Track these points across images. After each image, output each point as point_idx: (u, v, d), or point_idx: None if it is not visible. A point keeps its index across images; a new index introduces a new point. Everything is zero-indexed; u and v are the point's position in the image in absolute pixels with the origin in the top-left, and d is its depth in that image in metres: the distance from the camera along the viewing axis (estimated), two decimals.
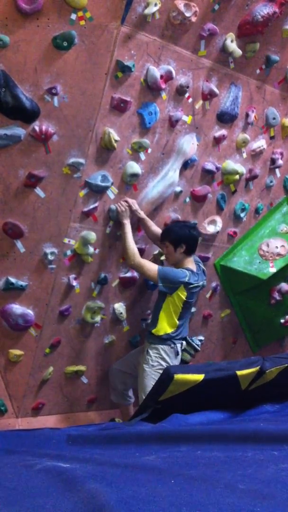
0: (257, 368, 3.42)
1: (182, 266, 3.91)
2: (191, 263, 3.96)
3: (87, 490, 1.91)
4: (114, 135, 3.56)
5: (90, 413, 4.32)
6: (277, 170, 4.83)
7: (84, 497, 1.85)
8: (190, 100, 3.91)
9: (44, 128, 3.31)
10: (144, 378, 3.87)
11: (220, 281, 4.78)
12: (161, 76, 3.64)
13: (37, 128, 3.29)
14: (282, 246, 4.69)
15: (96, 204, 3.71)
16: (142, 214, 3.90)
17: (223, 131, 4.22)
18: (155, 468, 2.30)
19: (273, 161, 4.73)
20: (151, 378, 3.79)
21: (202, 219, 4.40)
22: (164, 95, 3.75)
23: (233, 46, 3.91)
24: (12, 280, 3.55)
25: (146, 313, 4.34)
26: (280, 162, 4.77)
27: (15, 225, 3.44)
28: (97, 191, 3.67)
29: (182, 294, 3.83)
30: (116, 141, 3.58)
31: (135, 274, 4.10)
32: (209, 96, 3.99)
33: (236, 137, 4.34)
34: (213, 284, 4.72)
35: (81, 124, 3.43)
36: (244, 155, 4.47)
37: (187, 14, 3.53)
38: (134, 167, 3.78)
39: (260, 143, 4.53)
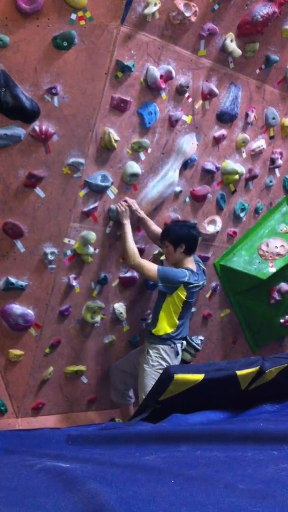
0: (257, 368, 3.42)
1: (182, 266, 3.91)
2: (191, 262, 3.96)
3: (87, 490, 1.91)
4: (114, 135, 3.56)
5: (90, 413, 4.32)
6: (276, 170, 4.83)
7: (84, 497, 1.85)
8: (190, 100, 3.91)
9: (44, 128, 3.31)
10: (144, 378, 3.87)
11: (220, 281, 4.79)
12: (161, 76, 3.65)
13: (37, 128, 3.29)
14: (282, 246, 4.69)
15: (96, 204, 3.71)
16: (142, 213, 3.91)
17: (223, 131, 4.22)
18: (155, 468, 2.30)
19: (272, 161, 4.73)
20: (151, 378, 3.79)
21: (202, 219, 4.41)
22: (164, 95, 3.75)
23: (232, 46, 3.91)
24: (12, 280, 3.55)
25: (146, 313, 4.35)
26: (279, 162, 4.77)
27: (15, 225, 3.44)
28: (97, 191, 3.67)
29: (182, 294, 3.83)
30: (116, 141, 3.58)
31: (135, 274, 4.10)
32: (208, 96, 3.99)
33: (236, 137, 4.35)
34: (213, 284, 4.72)
35: (81, 124, 3.43)
36: (244, 155, 4.47)
37: (187, 14, 3.53)
38: (134, 167, 3.78)
39: (260, 143, 4.53)
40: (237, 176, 4.43)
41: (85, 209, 3.66)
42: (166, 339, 3.88)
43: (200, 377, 3.23)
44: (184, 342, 3.97)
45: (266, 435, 2.75)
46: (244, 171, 4.49)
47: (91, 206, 3.68)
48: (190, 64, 3.81)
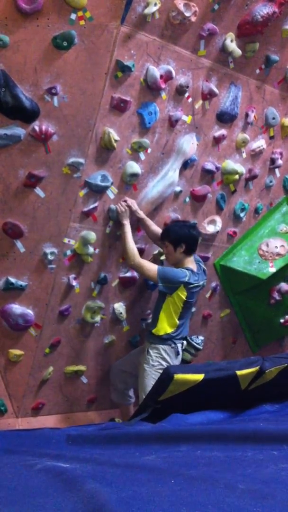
0: (257, 368, 3.42)
1: (182, 266, 3.90)
2: (191, 262, 3.95)
3: (87, 490, 1.91)
4: (114, 135, 3.56)
5: (90, 413, 4.32)
6: (276, 170, 4.83)
7: (84, 497, 1.85)
8: (190, 100, 3.91)
9: (44, 128, 3.31)
10: (144, 378, 3.87)
11: (220, 281, 4.79)
12: (161, 76, 3.65)
13: (37, 128, 3.29)
14: (282, 246, 4.69)
15: (96, 204, 3.71)
16: (141, 214, 3.90)
17: (223, 131, 4.22)
18: (155, 468, 2.30)
19: (272, 161, 4.73)
20: (151, 378, 3.79)
21: (202, 219, 4.41)
22: (164, 95, 3.75)
23: (232, 46, 3.91)
24: (12, 280, 3.55)
25: (146, 313, 4.35)
26: (279, 162, 4.77)
27: (15, 225, 3.44)
28: (97, 191, 3.67)
29: (182, 294, 3.82)
30: (116, 141, 3.58)
31: (135, 274, 4.10)
32: (208, 96, 3.99)
33: (236, 137, 4.35)
34: (213, 284, 4.72)
35: (81, 124, 3.43)
36: (244, 155, 4.47)
37: (187, 14, 3.53)
38: (134, 167, 3.78)
39: (260, 143, 4.53)
40: (237, 176, 4.43)
41: (85, 209, 3.66)
42: (166, 339, 3.88)
43: (200, 377, 3.23)
44: (185, 342, 3.97)
45: (266, 435, 2.75)
46: (244, 171, 4.49)
47: (91, 206, 3.68)
48: (190, 64, 3.81)
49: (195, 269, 3.92)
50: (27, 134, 3.29)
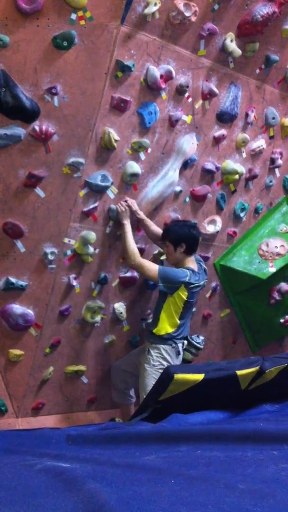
0: (257, 368, 3.42)
1: (183, 266, 3.90)
2: (192, 262, 3.95)
3: (87, 490, 1.91)
4: (114, 135, 3.56)
5: (90, 413, 4.32)
6: (276, 170, 4.83)
7: (84, 497, 1.85)
8: (190, 99, 3.91)
9: (44, 128, 3.31)
10: (145, 377, 3.87)
11: (220, 281, 4.79)
12: (161, 76, 3.65)
13: (37, 128, 3.29)
14: (282, 246, 4.70)
15: (96, 204, 3.71)
16: (141, 214, 3.90)
17: (223, 131, 4.22)
18: (155, 468, 2.30)
19: (272, 160, 4.73)
20: (152, 377, 3.79)
21: (202, 218, 4.41)
22: (164, 94, 3.75)
23: (232, 45, 3.91)
24: (12, 280, 3.55)
25: (146, 313, 4.35)
26: (279, 161, 4.77)
27: (15, 225, 3.44)
28: (97, 191, 3.67)
29: (183, 294, 3.82)
30: (116, 140, 3.58)
31: (135, 274, 4.10)
32: (208, 95, 3.99)
33: (236, 136, 4.35)
34: (213, 284, 4.72)
35: (81, 123, 3.43)
36: (244, 154, 4.47)
37: (187, 14, 3.53)
38: (134, 166, 3.78)
39: (260, 142, 4.53)
40: (237, 176, 4.43)
41: (85, 209, 3.66)
42: (167, 339, 3.88)
43: (200, 377, 3.23)
44: (185, 342, 3.97)
45: (266, 435, 2.75)
46: (244, 171, 4.49)
47: (91, 206, 3.68)
48: (190, 64, 3.81)
49: (195, 269, 3.92)
50: (27, 134, 3.29)
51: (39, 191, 3.45)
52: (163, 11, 3.47)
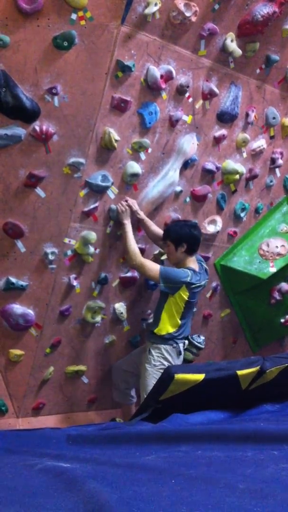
0: (258, 367, 3.42)
1: (184, 266, 3.90)
2: (193, 262, 3.95)
3: (87, 490, 1.91)
4: (115, 135, 3.56)
5: (91, 413, 4.32)
6: (277, 170, 4.83)
7: (85, 497, 1.85)
8: (190, 99, 3.91)
9: (44, 128, 3.31)
10: (146, 377, 3.86)
11: (220, 281, 4.78)
12: (161, 76, 3.65)
13: (37, 128, 3.29)
14: (282, 245, 4.69)
15: (97, 204, 3.71)
16: (142, 215, 3.90)
17: (223, 131, 4.22)
18: (156, 468, 2.30)
19: (273, 160, 4.73)
20: (153, 377, 3.78)
21: (202, 218, 4.41)
22: (164, 94, 3.75)
23: (233, 45, 3.91)
24: (13, 280, 3.55)
25: (147, 313, 4.35)
26: (280, 161, 4.77)
27: (15, 225, 3.45)
28: (98, 191, 3.67)
29: (184, 294, 3.82)
30: (116, 141, 3.58)
31: (136, 274, 4.10)
32: (209, 95, 3.99)
33: (236, 136, 4.34)
34: (213, 284, 4.72)
35: (81, 124, 3.43)
36: (244, 154, 4.47)
37: (187, 14, 3.53)
38: (135, 167, 3.78)
39: (260, 142, 4.53)
40: (237, 176, 4.43)
41: (86, 209, 3.66)
42: (168, 339, 3.87)
43: (200, 377, 3.23)
44: (186, 342, 3.97)
45: (266, 435, 2.75)
46: (244, 171, 4.49)
47: (92, 206, 3.68)
48: (190, 64, 3.81)
49: (197, 269, 3.92)
50: (27, 134, 3.29)
51: (39, 191, 3.45)
52: (164, 11, 3.47)
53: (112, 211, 3.79)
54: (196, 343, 4.00)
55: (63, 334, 3.90)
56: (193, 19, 3.59)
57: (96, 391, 4.29)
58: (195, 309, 4.43)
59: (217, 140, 4.21)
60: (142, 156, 3.81)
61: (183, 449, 2.65)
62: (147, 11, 3.37)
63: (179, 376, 3.16)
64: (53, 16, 3.14)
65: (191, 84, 3.85)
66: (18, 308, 3.62)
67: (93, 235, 3.71)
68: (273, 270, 4.59)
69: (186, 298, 3.83)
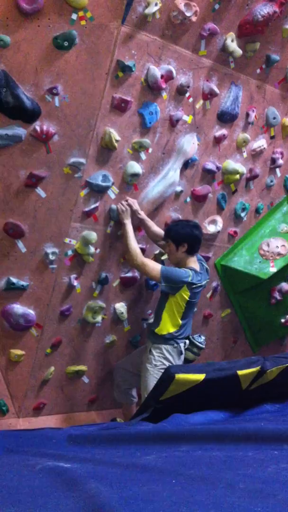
0: (258, 368, 3.42)
1: (185, 266, 3.90)
2: (194, 262, 3.94)
3: (87, 490, 1.91)
4: (115, 135, 3.56)
5: (91, 413, 4.33)
6: (277, 170, 4.83)
7: (85, 497, 1.85)
8: (191, 99, 3.91)
9: (45, 128, 3.31)
10: (146, 377, 3.86)
11: (221, 281, 4.79)
12: (162, 76, 3.65)
13: (38, 128, 3.29)
14: (283, 245, 4.70)
15: (97, 204, 3.71)
16: (142, 215, 3.90)
17: (224, 131, 4.22)
18: (156, 468, 2.30)
19: (273, 160, 4.73)
20: (153, 377, 3.78)
21: (203, 218, 4.41)
22: (164, 94, 3.75)
23: (233, 45, 3.91)
24: (13, 280, 3.55)
25: (147, 313, 4.35)
26: (280, 161, 4.77)
27: (16, 225, 3.45)
28: (98, 191, 3.68)
29: (185, 294, 3.81)
30: (116, 140, 3.58)
31: (136, 274, 4.10)
32: (209, 95, 3.99)
33: (237, 136, 4.35)
34: (214, 284, 4.73)
35: (82, 124, 3.43)
36: (245, 154, 4.47)
37: (188, 14, 3.53)
38: (135, 166, 3.78)
39: (261, 142, 4.54)
40: (238, 176, 4.43)
41: (86, 209, 3.66)
42: (169, 339, 3.87)
43: (201, 377, 3.23)
44: (187, 341, 3.96)
45: (267, 435, 2.75)
46: (244, 171, 4.49)
47: (92, 206, 3.68)
48: (190, 64, 3.81)
49: (198, 269, 3.91)
50: (28, 134, 3.30)
51: (40, 191, 3.45)
52: (164, 11, 3.47)
53: (113, 211, 3.79)
54: (197, 343, 3.99)
55: (63, 334, 3.90)
56: (194, 19, 3.59)
57: (97, 391, 4.29)
58: (195, 309, 4.43)
59: (218, 140, 4.22)
60: (143, 156, 3.81)
61: (183, 449, 2.65)
62: (147, 11, 3.37)
63: (179, 376, 3.16)
64: (53, 16, 3.14)
65: (191, 84, 3.86)
66: (18, 308, 3.62)
67: (93, 235, 3.72)
68: (273, 270, 4.60)
69: (187, 298, 3.82)
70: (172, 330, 3.87)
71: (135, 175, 3.80)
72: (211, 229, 4.46)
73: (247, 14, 3.86)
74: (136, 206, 3.84)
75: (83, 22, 3.21)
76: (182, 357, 3.94)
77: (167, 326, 3.86)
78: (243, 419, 3.39)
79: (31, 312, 3.66)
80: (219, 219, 4.49)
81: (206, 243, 4.49)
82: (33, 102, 3.24)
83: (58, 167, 3.46)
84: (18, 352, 3.71)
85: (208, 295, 4.71)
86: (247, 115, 4.32)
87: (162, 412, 3.22)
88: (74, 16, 3.17)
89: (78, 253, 3.73)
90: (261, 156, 4.60)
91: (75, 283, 3.79)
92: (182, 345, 3.91)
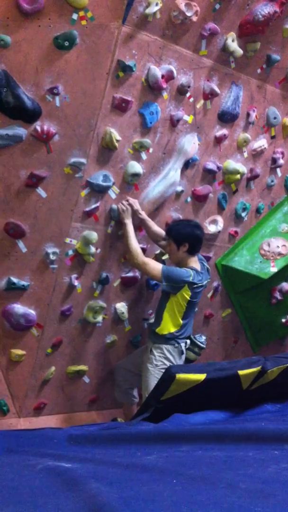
0: (259, 368, 3.42)
1: (186, 265, 3.89)
2: (195, 262, 3.94)
3: (88, 489, 1.91)
4: (116, 135, 3.56)
5: (92, 413, 4.33)
6: (278, 170, 4.83)
7: (85, 497, 1.85)
8: (191, 99, 3.91)
9: (45, 128, 3.31)
10: (147, 377, 3.86)
11: (221, 281, 4.78)
12: (162, 76, 3.64)
13: (38, 128, 3.29)
14: (283, 245, 4.70)
15: (98, 204, 3.71)
16: (143, 215, 3.90)
17: (224, 131, 4.22)
18: (156, 468, 2.30)
19: (274, 160, 4.73)
20: (154, 377, 3.77)
21: (203, 218, 4.41)
22: (165, 94, 3.75)
23: (234, 45, 3.91)
24: (14, 280, 3.55)
25: (148, 313, 4.35)
26: (281, 161, 4.77)
27: (16, 225, 3.45)
28: (99, 191, 3.68)
29: (186, 294, 3.81)
30: (117, 140, 3.58)
31: (137, 273, 4.10)
32: (210, 95, 3.99)
33: (237, 136, 4.34)
34: (215, 284, 4.72)
35: (82, 124, 3.43)
36: (245, 154, 4.47)
37: (188, 14, 3.53)
38: (136, 166, 3.78)
39: (261, 142, 4.53)
40: (238, 176, 4.43)
41: (87, 209, 3.66)
42: (169, 339, 3.87)
43: (202, 377, 3.23)
44: (188, 341, 3.96)
45: (267, 435, 2.75)
46: (245, 170, 4.49)
47: (93, 206, 3.68)
48: (191, 64, 3.81)
49: (198, 269, 3.91)
50: (28, 134, 3.30)
51: (40, 191, 3.45)
52: (164, 11, 3.47)
53: (113, 211, 3.79)
54: (199, 343, 3.99)
55: (64, 334, 3.90)
56: (194, 19, 3.59)
57: (97, 391, 4.29)
58: (196, 309, 4.43)
59: (218, 140, 4.21)
60: (143, 156, 3.81)
61: (184, 449, 2.65)
62: (148, 11, 3.37)
63: (180, 376, 3.16)
64: (54, 16, 3.14)
65: (192, 84, 3.85)
66: (19, 308, 3.62)
67: (94, 235, 3.72)
68: (274, 270, 4.59)
69: (188, 298, 3.82)
70: (173, 330, 3.87)
71: (136, 175, 3.80)
72: (211, 229, 4.45)
73: (248, 14, 3.86)
74: (137, 206, 3.84)
75: (83, 22, 3.21)
76: (183, 357, 3.94)
77: (168, 326, 3.86)
78: (243, 419, 3.39)
79: (31, 312, 3.66)
80: (219, 219, 4.49)
81: (207, 243, 4.49)
82: (34, 102, 3.24)
83: (58, 167, 3.46)
84: (19, 352, 3.71)
85: (209, 295, 4.71)
86: (248, 115, 4.32)
87: (162, 412, 3.22)
88: (74, 16, 3.18)
89: (79, 253, 3.73)
90: (261, 156, 4.60)
91: (76, 283, 3.79)
92: (183, 345, 3.91)
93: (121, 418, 4.33)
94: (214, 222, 4.47)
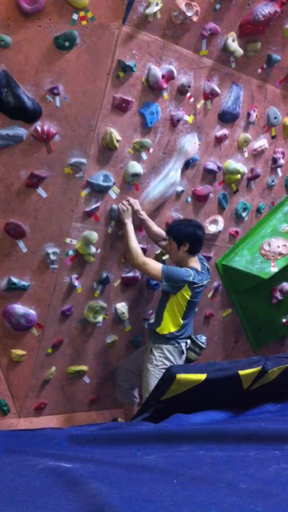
0: (259, 368, 3.42)
1: (186, 265, 3.89)
2: (195, 262, 3.94)
3: (88, 490, 1.91)
4: (116, 135, 3.56)
5: (92, 413, 4.33)
6: (278, 170, 4.83)
7: (86, 497, 1.85)
8: (192, 99, 3.91)
9: (46, 128, 3.31)
10: (148, 377, 3.86)
11: (222, 281, 4.78)
12: (163, 76, 3.64)
13: (39, 128, 3.29)
14: (284, 245, 4.69)
15: (98, 204, 3.71)
16: (143, 215, 3.90)
17: (225, 131, 4.22)
18: (157, 468, 2.30)
19: (274, 160, 4.73)
20: (154, 377, 3.77)
21: (204, 218, 4.40)
22: (165, 94, 3.75)
23: (234, 45, 3.91)
24: (14, 280, 3.55)
25: (148, 313, 4.35)
26: (281, 161, 4.77)
27: (17, 225, 3.45)
28: (99, 191, 3.68)
29: (187, 294, 3.81)
30: (117, 140, 3.58)
31: (137, 273, 4.10)
32: (210, 95, 3.99)
33: (238, 136, 4.34)
34: (215, 284, 4.72)
35: (82, 124, 3.43)
36: (246, 154, 4.47)
37: (189, 14, 3.53)
38: (136, 166, 3.78)
39: (262, 142, 4.53)
40: (239, 176, 4.43)
41: (87, 209, 3.66)
42: (170, 339, 3.87)
43: (202, 376, 3.23)
44: (189, 341, 3.96)
45: (268, 435, 2.75)
46: (246, 170, 4.48)
47: (93, 206, 3.68)
48: (191, 64, 3.81)
49: (199, 268, 3.91)
50: (29, 134, 3.30)
51: (40, 191, 3.45)
52: (165, 11, 3.47)
53: (114, 211, 3.79)
54: (199, 343, 3.99)
55: (64, 334, 3.90)
56: (195, 19, 3.59)
57: (98, 391, 4.29)
58: (196, 309, 4.43)
59: (219, 140, 4.21)
60: (144, 156, 3.81)
61: (184, 449, 2.65)
62: (148, 11, 3.37)
63: (180, 376, 3.16)
64: (54, 16, 3.14)
65: (192, 84, 3.85)
66: (19, 308, 3.62)
67: (94, 235, 3.72)
68: (274, 270, 4.59)
69: (188, 297, 3.82)
70: (173, 329, 3.86)
71: (136, 175, 3.80)
72: (212, 229, 4.45)
73: (248, 14, 3.86)
74: (137, 206, 3.84)
75: (84, 22, 3.21)
76: (184, 357, 3.94)
77: (168, 326, 3.86)
78: (244, 419, 3.39)
79: (32, 312, 3.66)
80: (220, 219, 4.49)
81: (207, 243, 4.49)
82: (34, 102, 3.24)
83: (59, 167, 3.46)
84: (19, 352, 3.71)
85: (209, 295, 4.71)
86: (248, 115, 4.32)
87: (163, 412, 3.22)
88: (75, 16, 3.18)
89: (79, 253, 3.73)
90: (262, 156, 4.60)
91: (76, 283, 3.79)
92: (183, 344, 3.91)
93: (121, 418, 4.33)
94: (215, 222, 4.47)
